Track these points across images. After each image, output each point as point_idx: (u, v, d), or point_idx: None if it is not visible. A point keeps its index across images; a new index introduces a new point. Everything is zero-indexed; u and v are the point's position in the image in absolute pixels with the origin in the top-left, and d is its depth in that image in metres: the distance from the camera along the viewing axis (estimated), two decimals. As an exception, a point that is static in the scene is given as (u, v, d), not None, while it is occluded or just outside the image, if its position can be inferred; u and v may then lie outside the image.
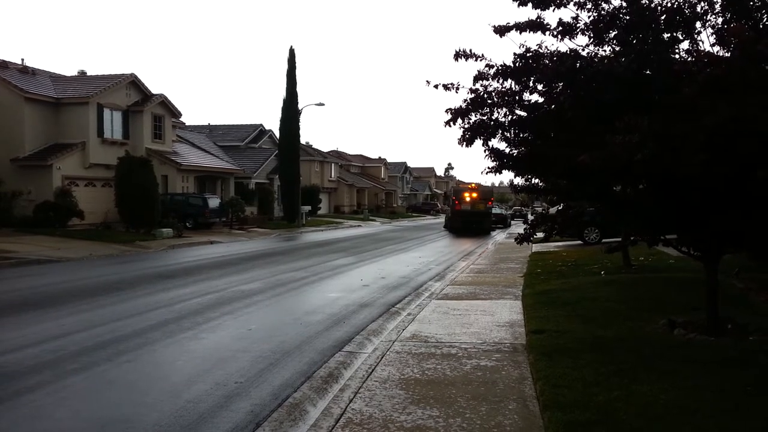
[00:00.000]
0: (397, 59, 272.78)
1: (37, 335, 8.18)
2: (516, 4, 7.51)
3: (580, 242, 22.50)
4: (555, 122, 7.21)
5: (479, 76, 7.45)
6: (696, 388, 5.26)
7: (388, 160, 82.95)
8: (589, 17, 7.29)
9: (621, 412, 4.78)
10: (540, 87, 7.41)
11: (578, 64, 7.02)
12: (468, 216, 36.12)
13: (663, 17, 6.89)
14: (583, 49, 7.38)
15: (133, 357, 7.19)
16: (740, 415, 4.68)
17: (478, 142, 7.65)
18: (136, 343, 7.79)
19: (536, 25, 7.38)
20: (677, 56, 6.96)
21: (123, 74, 30.59)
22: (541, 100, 7.54)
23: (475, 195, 37.30)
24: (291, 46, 48.20)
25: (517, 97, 7.47)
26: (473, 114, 7.48)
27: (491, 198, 38.84)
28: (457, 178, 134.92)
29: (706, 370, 5.76)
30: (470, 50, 7.51)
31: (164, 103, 32.48)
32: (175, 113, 33.95)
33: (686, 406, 4.87)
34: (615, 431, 4.47)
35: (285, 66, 40.69)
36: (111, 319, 9.33)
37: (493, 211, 41.81)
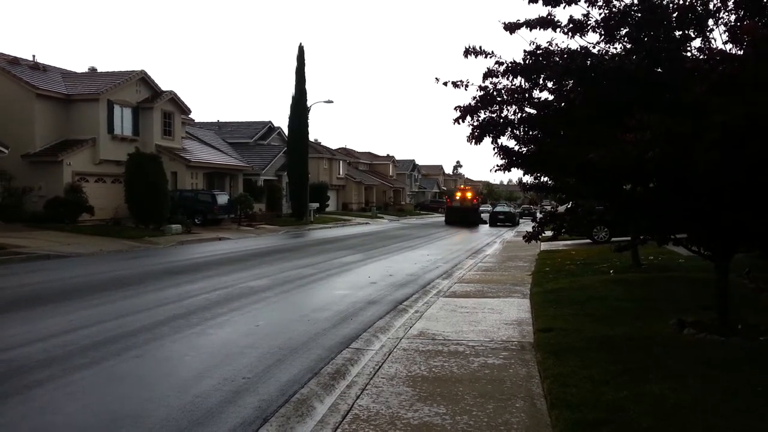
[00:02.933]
0: (406, 56, 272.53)
1: (46, 330, 8.24)
2: (527, 1, 7.47)
3: (588, 241, 22.39)
4: (565, 120, 7.18)
5: (489, 74, 7.42)
6: (706, 388, 5.22)
7: (397, 158, 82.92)
8: (600, 14, 7.24)
9: (630, 412, 4.75)
10: (550, 84, 7.37)
11: (589, 62, 6.97)
12: (459, 211, 45.00)
13: (675, 15, 6.83)
14: (594, 47, 7.33)
15: (141, 352, 7.23)
16: (751, 416, 4.64)
17: (487, 140, 7.61)
18: (144, 339, 7.83)
19: (547, 22, 7.33)
20: (689, 54, 6.90)
21: (133, 71, 30.73)
22: (551, 97, 7.50)
23: (464, 194, 47.73)
24: (300, 44, 48.43)
25: (526, 95, 7.43)
26: (482, 111, 7.45)
27: (476, 197, 48.57)
28: (465, 176, 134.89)
29: (716, 370, 5.71)
30: (480, 47, 7.48)
31: (174, 99, 32.61)
32: (185, 110, 34.07)
33: (696, 406, 4.84)
34: (623, 431, 4.45)
35: (294, 63, 40.82)
36: (120, 314, 9.38)
37: (502, 209, 48.26)
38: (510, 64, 7.33)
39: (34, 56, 31.11)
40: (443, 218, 50.67)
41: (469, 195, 47.55)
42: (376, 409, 5.16)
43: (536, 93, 7.49)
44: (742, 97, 5.48)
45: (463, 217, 43.66)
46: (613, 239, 21.00)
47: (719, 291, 7.25)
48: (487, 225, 44.90)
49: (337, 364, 6.78)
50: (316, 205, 43.12)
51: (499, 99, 7.37)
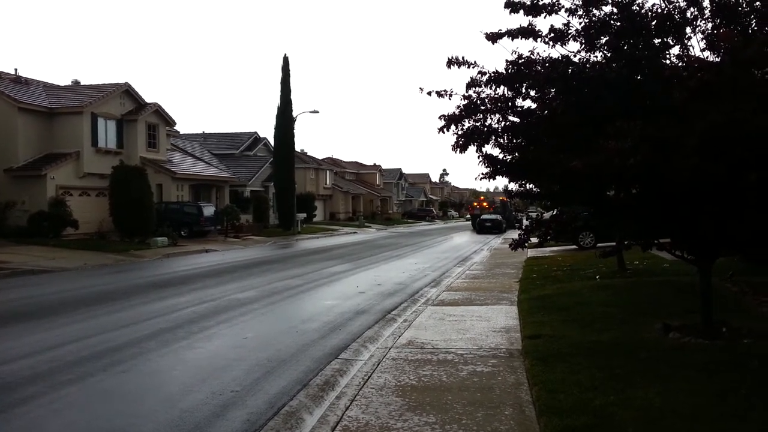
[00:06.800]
0: (391, 66, 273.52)
1: (31, 346, 8.14)
2: (508, 11, 7.56)
3: (574, 247, 22.55)
4: (547, 128, 7.25)
5: (472, 83, 7.49)
6: (691, 391, 5.28)
7: (383, 167, 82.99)
8: (580, 23, 7.35)
9: (617, 417, 4.79)
10: (532, 93, 7.46)
11: (570, 70, 7.07)
12: (477, 218, 51.89)
13: (653, 23, 6.95)
14: (575, 55, 7.43)
15: (128, 367, 7.16)
16: (736, 419, 4.69)
17: (472, 148, 7.67)
18: (131, 353, 7.76)
19: (528, 32, 7.42)
20: (668, 61, 7.02)
21: (117, 83, 30.57)
22: (533, 106, 7.58)
23: (482, 204, 59.89)
24: (285, 54, 48.30)
25: (509, 104, 7.51)
26: (466, 120, 7.51)
27: (492, 206, 58.59)
28: (452, 184, 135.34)
29: (701, 373, 5.78)
30: (463, 57, 7.55)
31: (158, 111, 32.45)
32: (170, 122, 33.91)
33: (682, 410, 4.88)
34: (611, 436, 4.47)
35: (279, 74, 40.85)
36: (106, 329, 9.29)
37: (489, 216, 50.59)
38: (493, 74, 7.41)
39: (16, 70, 30.76)
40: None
41: (485, 204, 60.53)
42: (365, 419, 5.15)
43: (519, 101, 7.59)
44: (719, 104, 5.58)
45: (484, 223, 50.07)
46: (598, 245, 21.15)
47: (703, 295, 7.34)
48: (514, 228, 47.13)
49: (326, 375, 6.77)
50: (303, 215, 43.03)
51: (482, 108, 7.45)
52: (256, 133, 49.23)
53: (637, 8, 7.06)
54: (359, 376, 6.48)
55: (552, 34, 7.42)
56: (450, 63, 7.55)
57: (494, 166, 7.93)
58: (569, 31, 7.41)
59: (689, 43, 7.04)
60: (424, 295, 13.00)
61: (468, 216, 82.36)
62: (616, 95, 6.62)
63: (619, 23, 7.08)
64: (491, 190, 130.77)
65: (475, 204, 60.94)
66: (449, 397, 5.66)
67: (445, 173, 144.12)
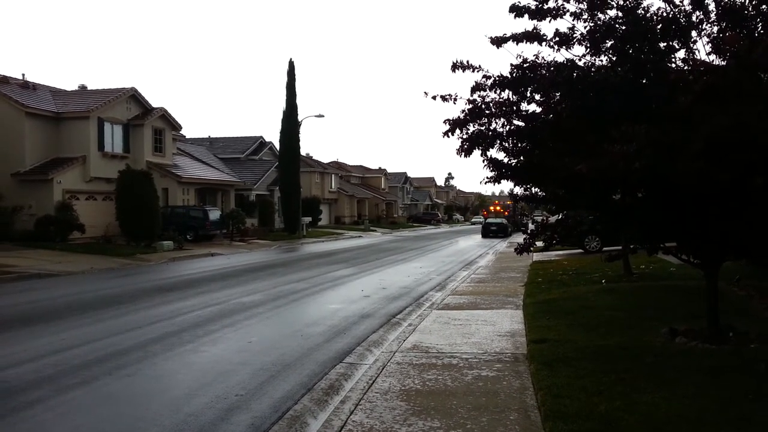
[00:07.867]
0: (396, 70, 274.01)
1: (37, 350, 8.17)
2: (513, 15, 7.56)
3: (580, 251, 22.47)
4: (552, 132, 7.24)
5: (477, 87, 7.49)
6: (698, 396, 5.25)
7: (388, 171, 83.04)
8: (585, 27, 7.34)
9: (623, 422, 4.77)
10: (537, 97, 7.45)
11: (575, 74, 7.05)
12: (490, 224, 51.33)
13: (659, 27, 6.94)
14: (580, 59, 7.42)
15: (133, 371, 7.18)
16: (742, 424, 4.66)
17: (477, 152, 7.67)
18: (136, 357, 7.78)
19: (533, 36, 7.42)
20: (673, 65, 7.00)
21: (123, 88, 30.73)
22: (538, 110, 7.57)
23: (495, 209, 62.95)
24: (290, 59, 48.50)
25: (514, 108, 7.50)
26: (471, 124, 7.51)
27: (506, 210, 61.06)
28: (457, 188, 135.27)
29: (708, 378, 5.74)
30: (467, 61, 7.56)
31: (164, 116, 32.60)
32: (176, 126, 34.06)
33: (688, 415, 4.86)
34: (617, 441, 4.45)
35: (285, 78, 40.96)
36: (111, 332, 9.32)
37: (494, 221, 51.28)
38: (497, 78, 7.40)
39: (23, 75, 31.01)
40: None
41: (499, 209, 65.06)
42: (369, 424, 5.14)
43: (524, 105, 7.57)
44: (725, 107, 5.57)
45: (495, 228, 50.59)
46: (604, 249, 21.08)
47: (709, 299, 7.30)
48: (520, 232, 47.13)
49: (331, 380, 6.77)
50: (308, 219, 43.10)
51: (487, 112, 7.44)
52: (261, 137, 49.43)
53: (643, 12, 7.05)
54: (364, 381, 6.47)
55: (557, 38, 7.42)
56: (455, 67, 7.55)
57: (499, 170, 7.92)
58: (574, 35, 7.41)
59: (695, 47, 7.02)
60: (429, 299, 12.98)
61: (473, 220, 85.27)
62: (621, 99, 6.61)
63: (624, 27, 7.06)
64: (497, 194, 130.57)
65: (491, 208, 64.91)
66: (454, 402, 5.65)
67: (450, 177, 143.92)
